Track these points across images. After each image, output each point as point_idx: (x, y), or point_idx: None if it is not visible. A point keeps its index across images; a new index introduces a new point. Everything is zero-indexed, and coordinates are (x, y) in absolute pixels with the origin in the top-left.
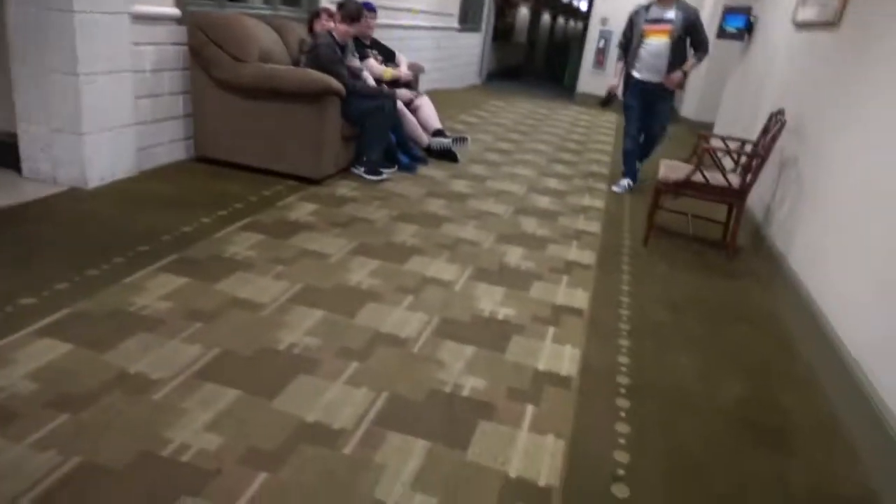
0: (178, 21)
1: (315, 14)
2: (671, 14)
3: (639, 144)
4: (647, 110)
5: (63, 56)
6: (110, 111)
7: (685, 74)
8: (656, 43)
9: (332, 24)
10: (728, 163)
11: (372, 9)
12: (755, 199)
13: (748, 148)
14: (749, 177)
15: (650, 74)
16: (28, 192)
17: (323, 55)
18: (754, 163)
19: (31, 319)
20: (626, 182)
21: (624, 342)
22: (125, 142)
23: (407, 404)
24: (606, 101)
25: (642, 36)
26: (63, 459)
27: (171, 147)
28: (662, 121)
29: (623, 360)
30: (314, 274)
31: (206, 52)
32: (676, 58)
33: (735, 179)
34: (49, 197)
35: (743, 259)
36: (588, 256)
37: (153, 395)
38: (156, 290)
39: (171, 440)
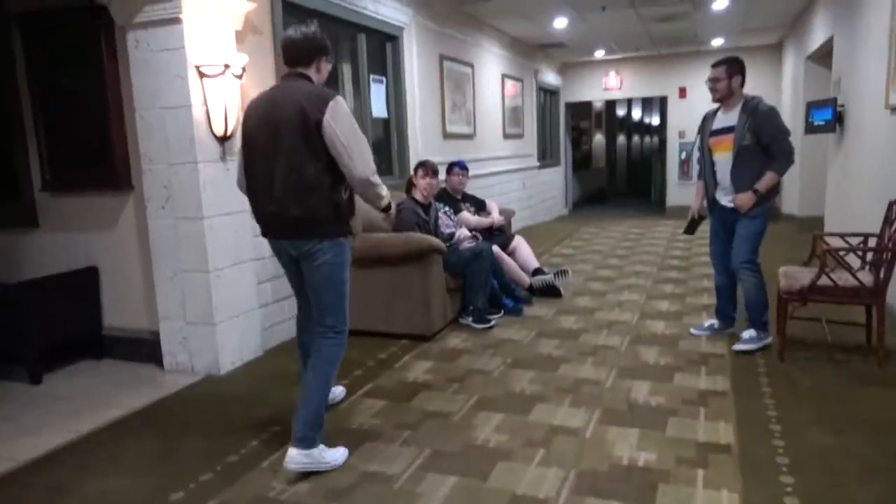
0: None
1: (410, 179)
2: (734, 118)
3: (730, 277)
4: (730, 236)
5: (195, 256)
6: (237, 299)
7: (756, 194)
8: (722, 160)
9: (420, 181)
10: (853, 259)
11: (464, 167)
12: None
13: (872, 242)
14: (883, 273)
15: (726, 196)
16: (168, 384)
17: (403, 220)
18: (885, 257)
19: None
20: (710, 324)
21: (787, 479)
22: (251, 325)
23: None
24: (690, 228)
25: (709, 152)
26: None
27: (291, 323)
28: (740, 254)
29: (791, 501)
30: (440, 436)
31: None
32: (743, 172)
33: (867, 277)
34: (187, 387)
35: None
36: (721, 382)
37: None
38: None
39: None
